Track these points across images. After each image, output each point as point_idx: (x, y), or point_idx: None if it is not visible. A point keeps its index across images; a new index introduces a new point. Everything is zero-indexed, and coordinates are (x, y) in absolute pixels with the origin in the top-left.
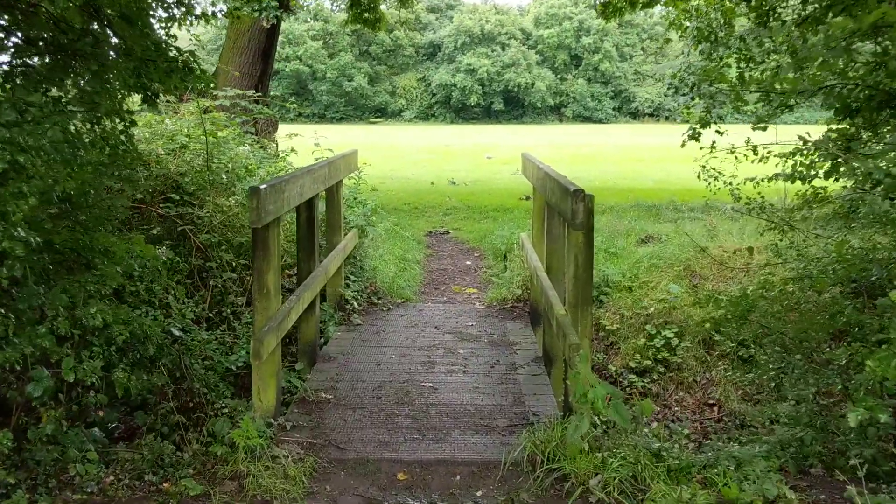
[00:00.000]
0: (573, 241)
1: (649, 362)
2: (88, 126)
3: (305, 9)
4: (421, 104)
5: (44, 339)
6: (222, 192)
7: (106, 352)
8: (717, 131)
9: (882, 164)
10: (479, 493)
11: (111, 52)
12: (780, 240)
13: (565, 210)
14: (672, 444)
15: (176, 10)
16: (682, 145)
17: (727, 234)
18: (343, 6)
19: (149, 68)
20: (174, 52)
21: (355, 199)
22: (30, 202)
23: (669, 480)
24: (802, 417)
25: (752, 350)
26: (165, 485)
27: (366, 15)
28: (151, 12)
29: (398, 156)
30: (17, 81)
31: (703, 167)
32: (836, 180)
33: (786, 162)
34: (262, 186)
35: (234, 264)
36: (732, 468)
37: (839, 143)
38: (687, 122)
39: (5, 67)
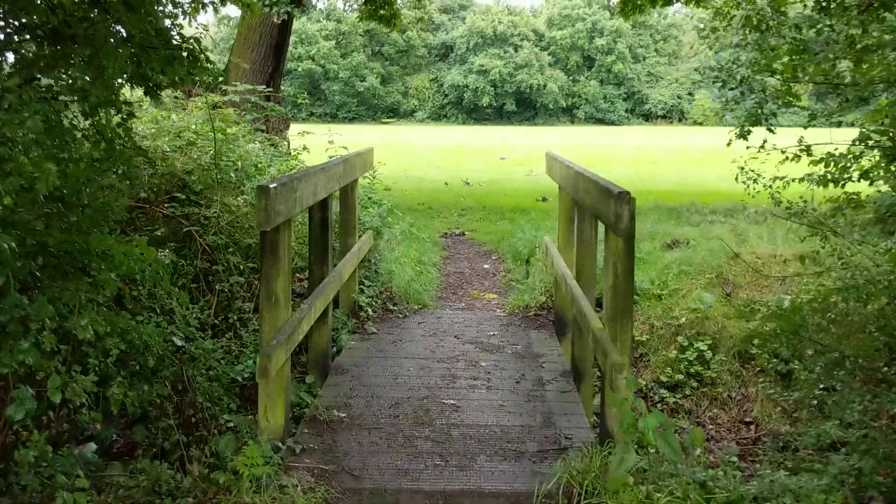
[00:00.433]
0: (612, 247)
1: (681, 376)
2: (82, 118)
3: (318, 9)
4: (433, 105)
5: (27, 354)
6: (230, 192)
7: (102, 364)
8: (769, 129)
9: None
10: None
11: (108, 38)
12: (823, 247)
13: (605, 214)
14: (717, 472)
15: None
16: (728, 144)
17: (757, 238)
18: (356, 5)
19: (150, 56)
20: (178, 39)
21: (370, 198)
22: (5, 201)
23: None
24: (858, 444)
25: (792, 365)
26: None
27: (381, 11)
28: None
29: (411, 155)
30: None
31: (742, 168)
32: (871, 183)
33: (817, 164)
34: (272, 185)
35: (241, 268)
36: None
37: None
38: (701, 123)
39: None
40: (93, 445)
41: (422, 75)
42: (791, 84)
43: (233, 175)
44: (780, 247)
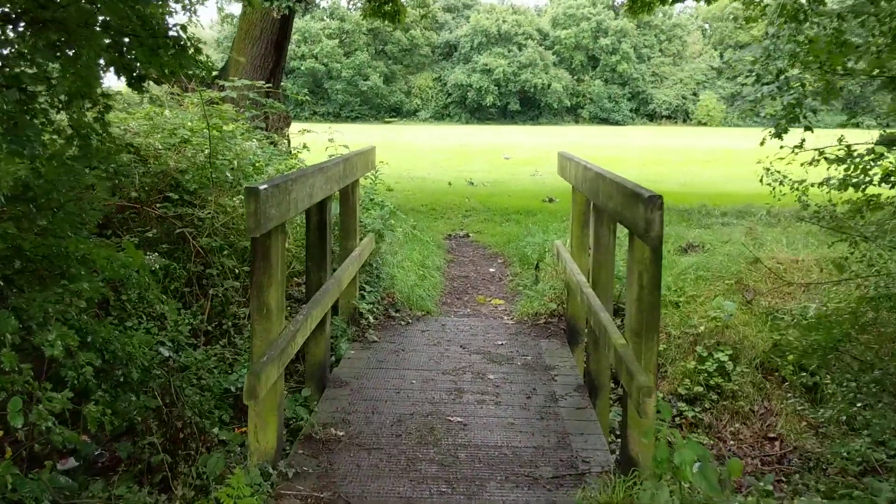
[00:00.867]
0: (638, 256)
1: (700, 388)
2: (53, 112)
3: (321, 7)
4: (436, 104)
5: None
6: (226, 192)
7: (81, 377)
8: (807, 127)
9: None
10: None
11: (82, 23)
12: (851, 252)
13: (632, 219)
14: (746, 498)
15: None
16: (762, 143)
17: (775, 242)
18: (360, 3)
19: (131, 44)
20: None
21: (371, 200)
22: None
23: None
24: None
25: (820, 378)
26: None
27: (385, 7)
28: None
29: (414, 155)
30: None
31: (767, 170)
32: (892, 187)
33: (839, 165)
34: (262, 186)
35: (236, 271)
36: None
37: None
38: (705, 124)
39: None
40: (73, 461)
41: (425, 74)
42: (828, 80)
43: (229, 174)
44: (801, 251)
